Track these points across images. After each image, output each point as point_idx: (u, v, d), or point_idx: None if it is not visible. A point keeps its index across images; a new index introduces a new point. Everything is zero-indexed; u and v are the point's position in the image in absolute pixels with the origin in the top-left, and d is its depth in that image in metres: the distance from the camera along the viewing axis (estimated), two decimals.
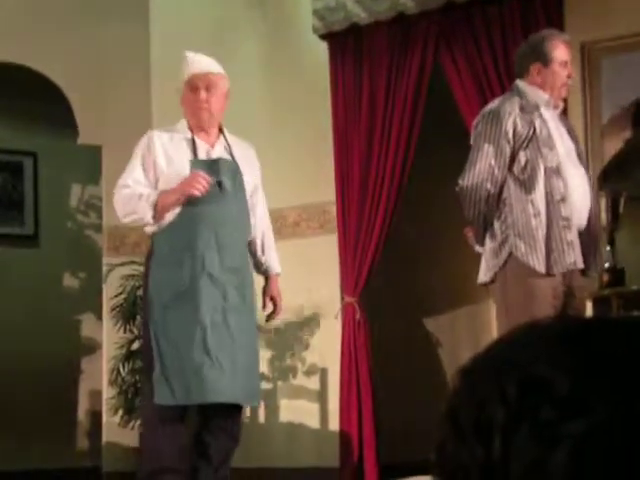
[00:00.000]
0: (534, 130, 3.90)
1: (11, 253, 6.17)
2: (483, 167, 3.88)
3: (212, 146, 4.08)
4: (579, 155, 4.05)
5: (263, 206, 4.25)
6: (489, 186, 3.88)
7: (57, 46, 5.83)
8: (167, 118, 6.26)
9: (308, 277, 5.47)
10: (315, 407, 5.50)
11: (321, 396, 5.48)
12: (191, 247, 3.94)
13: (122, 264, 5.65)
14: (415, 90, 5.09)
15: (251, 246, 4.19)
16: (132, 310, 5.71)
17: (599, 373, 0.73)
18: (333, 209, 5.39)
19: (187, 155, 4.01)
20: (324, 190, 5.40)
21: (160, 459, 3.96)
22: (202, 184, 3.86)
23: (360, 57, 5.29)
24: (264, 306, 4.26)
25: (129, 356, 5.72)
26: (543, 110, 3.98)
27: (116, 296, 5.59)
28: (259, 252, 4.22)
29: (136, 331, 5.80)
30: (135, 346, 5.79)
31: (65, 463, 5.73)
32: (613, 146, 4.85)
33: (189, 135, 4.04)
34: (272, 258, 4.27)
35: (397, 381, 5.38)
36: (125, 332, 5.71)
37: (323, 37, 5.41)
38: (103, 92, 5.90)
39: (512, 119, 3.89)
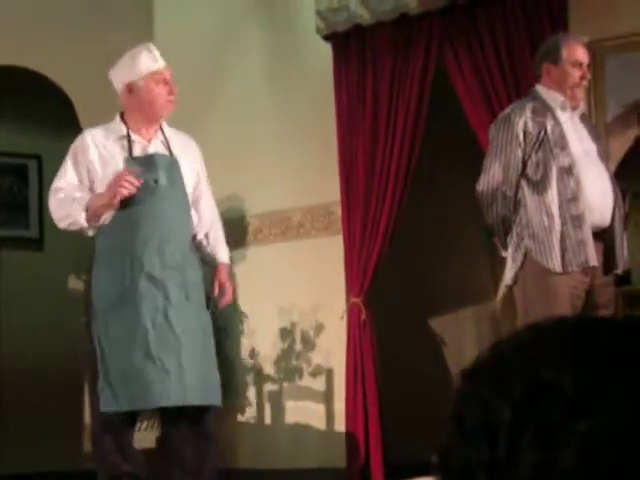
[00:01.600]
0: (545, 131, 3.95)
1: (16, 256, 6.17)
2: (497, 171, 3.98)
3: (149, 141, 3.99)
4: (600, 154, 4.10)
5: (208, 197, 4.16)
6: (504, 189, 3.96)
7: (61, 48, 5.83)
8: (170, 121, 6.26)
9: (313, 278, 5.47)
10: (321, 408, 5.49)
11: (327, 397, 5.48)
12: (129, 248, 3.86)
13: None
14: (419, 91, 5.09)
15: (196, 239, 4.10)
16: None
17: (605, 373, 0.72)
18: (338, 210, 5.38)
19: (122, 153, 3.93)
20: (329, 191, 5.39)
21: (115, 467, 3.90)
22: (129, 182, 3.78)
23: (363, 58, 5.28)
24: (214, 292, 4.14)
25: None
26: (559, 112, 4.05)
27: None
28: (205, 245, 4.14)
29: None
30: None
31: (74, 465, 5.73)
32: (618, 144, 4.84)
33: (124, 132, 3.95)
34: (219, 250, 4.18)
35: (403, 381, 5.37)
36: None
37: (326, 38, 5.40)
38: (107, 94, 5.89)
39: (522, 122, 3.95)
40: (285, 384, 5.65)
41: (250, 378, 5.84)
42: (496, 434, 0.73)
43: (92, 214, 3.85)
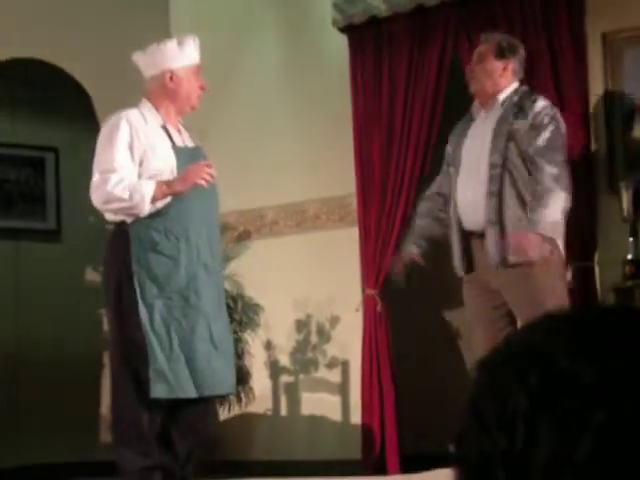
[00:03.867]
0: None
1: (34, 248, 6.19)
2: None
3: (179, 132, 3.98)
4: (493, 152, 4.18)
5: None
6: None
7: (77, 40, 5.85)
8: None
9: (329, 270, 5.47)
10: (337, 400, 5.50)
11: (343, 389, 5.49)
12: (185, 237, 3.86)
13: None
14: (435, 82, 5.08)
15: None
16: None
17: (623, 363, 0.72)
18: (353, 202, 5.39)
19: (162, 142, 3.87)
20: (344, 183, 5.39)
21: (142, 458, 3.84)
22: (209, 174, 3.75)
23: (380, 50, 5.28)
24: None
25: None
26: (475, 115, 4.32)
27: None
28: None
29: None
30: None
31: (89, 456, 5.75)
32: (635, 137, 4.82)
33: (160, 121, 3.90)
34: None
35: (418, 373, 5.37)
36: None
37: (343, 30, 5.40)
38: (123, 86, 5.90)
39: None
40: (301, 376, 5.67)
41: (266, 370, 5.86)
42: (513, 423, 0.73)
43: (153, 201, 3.76)
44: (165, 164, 3.81)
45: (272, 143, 5.74)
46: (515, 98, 4.20)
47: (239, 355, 5.84)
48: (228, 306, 5.88)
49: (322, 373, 5.53)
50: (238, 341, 5.87)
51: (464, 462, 0.78)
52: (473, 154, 4.19)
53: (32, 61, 6.03)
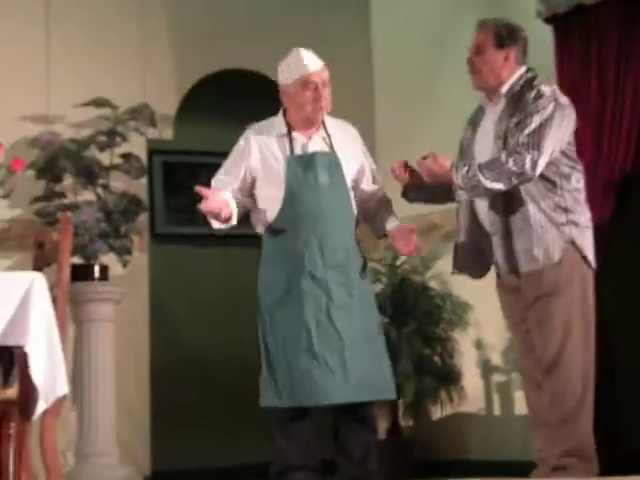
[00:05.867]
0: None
1: (241, 253, 6.35)
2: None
3: (309, 138, 4.01)
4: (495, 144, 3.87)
5: (370, 179, 4.12)
6: None
7: (276, 46, 5.96)
8: (389, 124, 6.30)
9: None
10: None
11: None
12: (291, 247, 3.90)
13: None
14: None
15: (364, 217, 4.12)
16: None
17: None
18: None
19: (282, 151, 3.97)
20: None
21: (285, 459, 3.95)
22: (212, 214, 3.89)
23: (587, 40, 5.12)
24: (399, 246, 4.07)
25: None
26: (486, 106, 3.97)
27: None
28: (371, 218, 4.14)
29: None
30: None
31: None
32: None
33: (284, 130, 4.00)
34: (388, 217, 4.11)
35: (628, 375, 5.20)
36: None
37: (547, 21, 5.27)
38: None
39: None
40: (514, 375, 5.58)
41: (477, 369, 5.81)
42: None
43: (214, 222, 3.98)
44: (274, 173, 3.95)
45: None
46: (517, 87, 3.85)
47: (449, 354, 5.82)
48: (436, 306, 5.88)
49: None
50: (447, 340, 5.85)
51: None
52: (482, 154, 3.87)
53: (241, 72, 6.21)
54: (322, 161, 3.97)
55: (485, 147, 3.87)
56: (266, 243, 4.01)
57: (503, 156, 3.71)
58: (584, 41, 5.14)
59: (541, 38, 5.31)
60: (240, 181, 4.03)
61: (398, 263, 5.99)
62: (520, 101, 3.79)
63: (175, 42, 6.15)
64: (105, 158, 5.74)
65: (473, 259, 3.98)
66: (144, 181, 5.97)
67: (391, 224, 4.08)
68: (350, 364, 3.85)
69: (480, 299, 5.57)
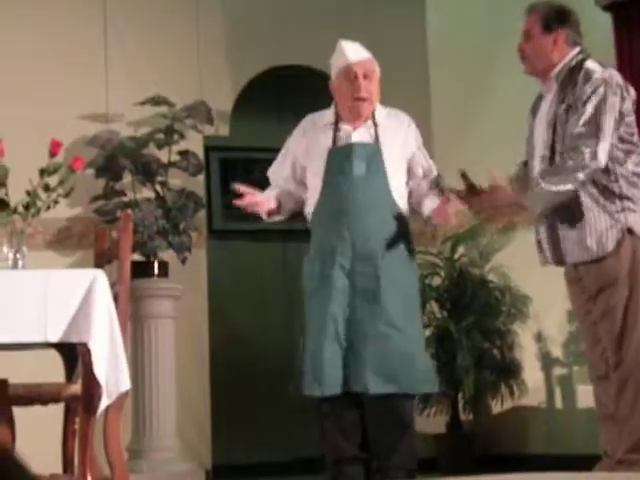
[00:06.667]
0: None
1: (299, 248, 6.36)
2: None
3: (355, 129, 4.05)
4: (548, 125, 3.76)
5: (419, 167, 4.13)
6: None
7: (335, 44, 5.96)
8: (445, 117, 6.27)
9: None
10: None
11: None
12: (326, 238, 3.97)
13: None
14: None
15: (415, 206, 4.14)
16: (422, 299, 5.70)
17: None
18: None
19: (328, 141, 4.04)
20: None
21: (334, 451, 3.98)
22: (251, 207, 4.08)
23: None
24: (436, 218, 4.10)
25: None
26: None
27: None
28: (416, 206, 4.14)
29: (426, 319, 5.83)
30: (426, 334, 5.81)
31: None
32: None
33: (332, 120, 4.08)
34: (427, 199, 4.12)
35: None
36: None
37: (606, 8, 5.20)
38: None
39: None
40: (575, 368, 5.53)
41: (538, 362, 5.76)
42: None
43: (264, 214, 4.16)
44: (318, 164, 4.03)
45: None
46: (567, 69, 3.73)
47: (509, 347, 5.78)
48: (495, 298, 5.84)
49: None
50: (506, 333, 5.80)
51: None
52: (538, 143, 3.80)
53: (295, 67, 6.21)
54: (360, 151, 4.00)
55: (539, 136, 3.80)
56: (312, 233, 4.09)
57: (558, 158, 3.65)
58: None
59: (600, 27, 5.24)
60: (289, 169, 4.14)
61: (456, 256, 5.96)
62: (570, 83, 3.69)
63: (230, 39, 6.18)
64: (163, 155, 5.78)
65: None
66: (201, 178, 6.00)
67: (432, 204, 4.08)
68: (375, 356, 3.86)
69: (540, 291, 5.53)
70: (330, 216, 3.98)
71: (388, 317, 3.90)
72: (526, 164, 3.94)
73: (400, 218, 4.02)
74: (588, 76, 3.64)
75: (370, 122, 4.05)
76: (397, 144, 4.05)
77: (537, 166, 3.77)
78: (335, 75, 4.07)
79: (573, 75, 3.69)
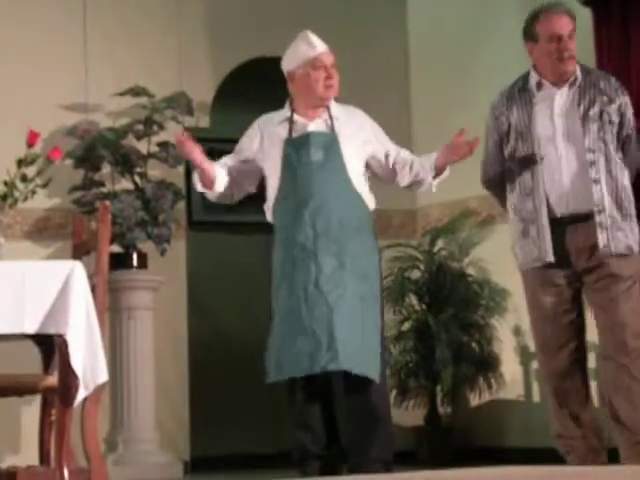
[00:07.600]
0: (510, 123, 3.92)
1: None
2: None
3: (311, 120, 4.13)
4: (579, 133, 3.84)
5: (392, 146, 4.20)
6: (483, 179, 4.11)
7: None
8: (426, 108, 6.26)
9: None
10: (592, 385, 5.34)
11: (598, 374, 5.33)
12: (288, 224, 4.03)
13: (388, 246, 5.70)
14: None
15: (400, 177, 4.18)
16: (401, 292, 5.77)
17: None
18: None
19: (284, 135, 4.11)
20: None
21: (300, 447, 4.02)
22: (181, 142, 4.07)
23: (626, 24, 5.05)
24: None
25: (399, 337, 5.79)
26: (536, 92, 3.91)
27: (385, 278, 5.64)
28: (408, 172, 4.17)
29: (405, 312, 5.85)
30: (405, 327, 5.85)
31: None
32: None
33: (288, 115, 4.15)
34: (425, 163, 4.17)
35: None
36: (395, 314, 5.77)
37: (586, 3, 5.21)
38: (356, 84, 5.96)
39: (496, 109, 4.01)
40: None
41: (516, 356, 5.78)
42: None
43: (198, 182, 4.19)
44: (273, 157, 4.10)
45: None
46: (579, 70, 3.99)
47: (488, 341, 5.80)
48: (474, 292, 5.86)
49: None
50: (485, 327, 5.82)
51: None
52: (565, 136, 3.91)
53: (276, 59, 6.19)
54: (316, 140, 4.07)
55: (569, 129, 3.85)
56: (275, 223, 4.12)
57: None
58: (624, 26, 5.06)
59: (580, 21, 5.24)
60: (238, 162, 4.18)
61: (436, 250, 5.97)
62: (590, 82, 3.91)
63: (211, 30, 6.16)
64: (142, 147, 5.76)
65: None
66: (181, 169, 5.99)
67: (432, 159, 4.15)
68: (338, 333, 3.86)
69: (518, 285, 5.51)
70: (291, 202, 4.03)
71: (356, 298, 3.95)
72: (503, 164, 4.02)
73: (360, 200, 4.08)
74: (607, 76, 4.02)
75: (326, 114, 4.13)
76: (353, 132, 4.12)
77: (560, 149, 3.84)
78: (300, 65, 4.13)
79: (589, 74, 3.95)
